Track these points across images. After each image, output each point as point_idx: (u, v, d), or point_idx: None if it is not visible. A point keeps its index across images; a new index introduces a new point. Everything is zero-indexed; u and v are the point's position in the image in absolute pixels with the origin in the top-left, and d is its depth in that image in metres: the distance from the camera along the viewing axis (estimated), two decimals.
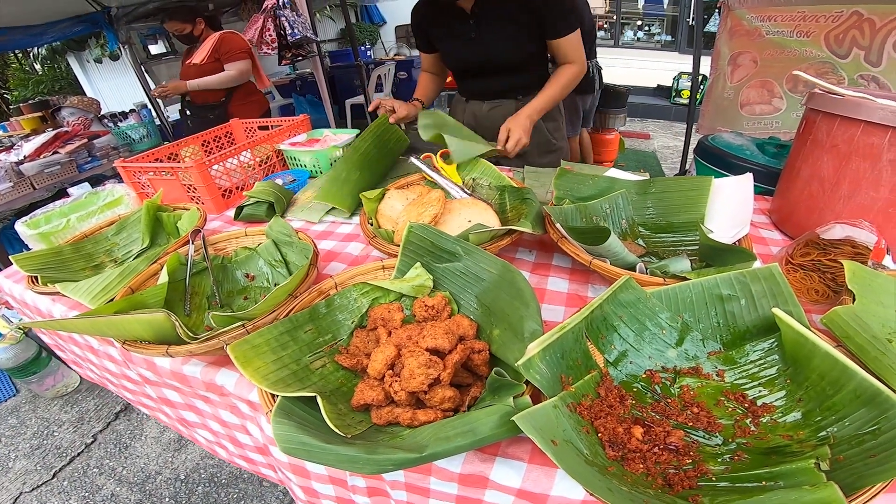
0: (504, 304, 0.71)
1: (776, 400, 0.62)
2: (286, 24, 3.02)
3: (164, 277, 0.91)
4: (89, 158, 3.19)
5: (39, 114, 3.59)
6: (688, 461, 0.56)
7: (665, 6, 6.81)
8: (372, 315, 0.79)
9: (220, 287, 0.99)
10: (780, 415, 0.60)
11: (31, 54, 7.19)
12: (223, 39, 2.67)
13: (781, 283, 0.67)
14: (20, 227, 1.27)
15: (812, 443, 0.55)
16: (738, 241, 0.89)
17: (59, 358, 2.17)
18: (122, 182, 1.53)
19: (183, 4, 3.05)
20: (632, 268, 0.81)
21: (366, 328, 0.80)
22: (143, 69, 4.59)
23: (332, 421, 0.59)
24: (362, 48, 7.87)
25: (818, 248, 0.89)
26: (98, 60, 6.71)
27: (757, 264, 0.75)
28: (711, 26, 5.13)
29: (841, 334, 0.63)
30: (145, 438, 2.01)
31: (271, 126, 1.85)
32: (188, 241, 1.03)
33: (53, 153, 2.93)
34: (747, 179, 0.99)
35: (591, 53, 3.05)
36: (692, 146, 2.54)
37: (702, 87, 4.11)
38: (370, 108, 1.53)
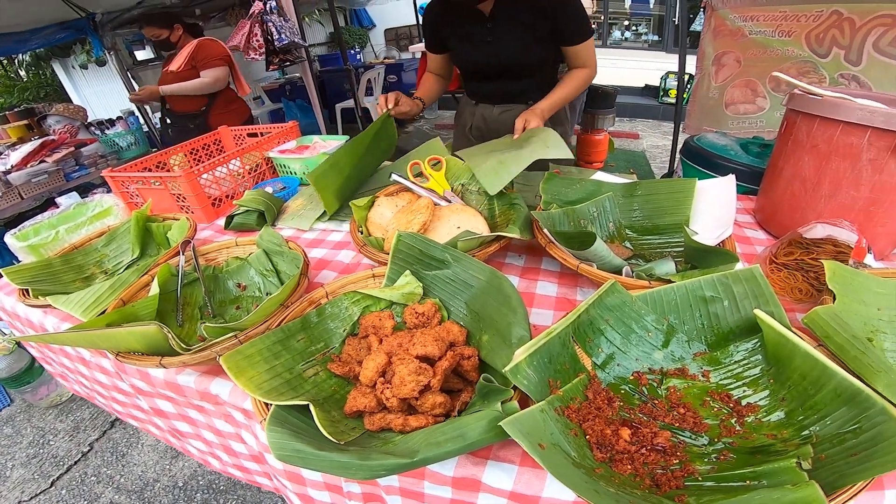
0: (492, 311, 0.73)
1: (760, 399, 0.63)
2: (273, 29, 3.00)
3: (154, 289, 0.91)
4: (77, 167, 3.17)
5: (25, 122, 3.55)
6: (675, 461, 0.57)
7: (651, 6, 6.87)
8: (363, 323, 0.80)
9: (211, 297, 0.99)
10: (765, 414, 0.61)
11: (17, 61, 7.12)
12: (200, 46, 2.64)
13: (762, 284, 0.69)
14: (9, 239, 1.26)
15: (795, 442, 0.56)
16: (722, 242, 0.90)
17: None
18: (111, 191, 1.53)
19: (162, 11, 3.04)
20: (618, 271, 0.83)
21: (357, 336, 0.80)
22: (129, 75, 4.56)
23: (326, 428, 0.60)
24: (351, 52, 7.87)
25: (801, 247, 0.91)
26: (83, 66, 6.67)
27: (740, 265, 0.76)
28: (697, 25, 5.19)
29: (821, 334, 0.64)
30: (142, 446, 2.00)
31: (260, 133, 1.85)
32: (178, 252, 1.03)
33: (40, 162, 2.90)
34: (730, 181, 1.00)
35: None
36: (680, 146, 2.57)
37: (688, 86, 4.15)
38: (380, 107, 1.43)
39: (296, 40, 3.09)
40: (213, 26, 4.62)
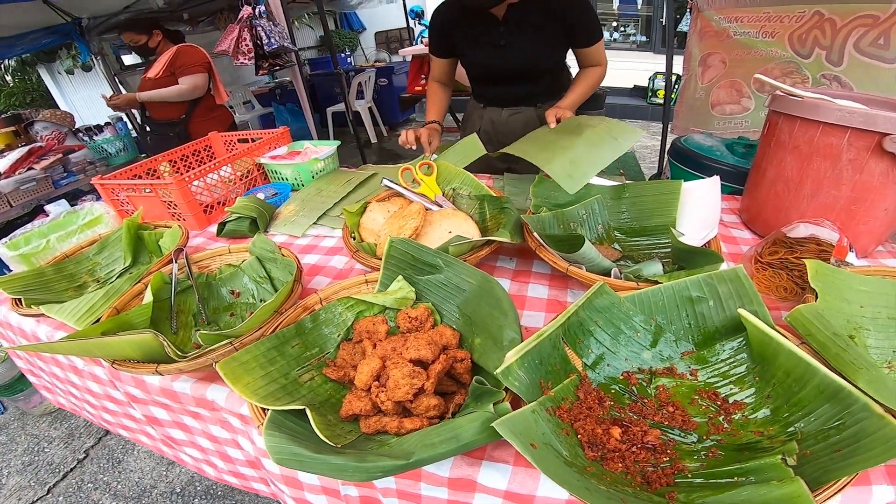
0: (484, 314, 0.74)
1: (746, 397, 0.65)
2: (263, 33, 3.00)
3: (148, 297, 0.91)
4: (65, 174, 3.14)
5: (13, 128, 3.51)
6: (665, 459, 0.59)
7: (639, 7, 6.92)
8: (357, 328, 0.81)
9: (205, 305, 1.00)
10: (751, 411, 0.63)
11: (2, 66, 7.03)
12: (179, 52, 2.61)
13: (746, 284, 0.70)
14: (0, 248, 1.26)
15: (781, 438, 0.57)
16: (708, 242, 0.92)
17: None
18: (100, 198, 1.52)
19: (141, 16, 3.02)
20: (607, 273, 0.84)
21: (352, 341, 0.81)
22: (116, 80, 4.53)
23: (322, 432, 0.61)
24: (342, 55, 7.86)
25: (785, 246, 0.93)
26: (69, 72, 6.61)
27: (725, 265, 0.78)
28: (684, 26, 5.25)
29: (804, 332, 0.66)
30: (138, 453, 2.00)
31: (251, 139, 1.85)
32: (171, 259, 1.03)
33: (28, 169, 2.88)
34: (714, 183, 1.03)
35: None
36: (667, 146, 2.60)
37: (675, 87, 4.19)
38: (405, 143, 1.46)
39: (285, 44, 3.08)
40: (202, 30, 4.61)
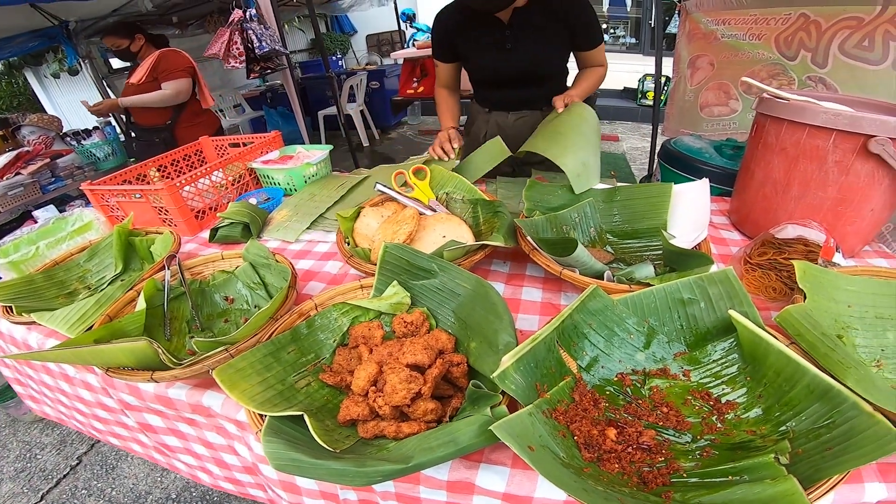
0: (479, 318, 0.74)
1: (738, 397, 0.66)
2: (253, 37, 2.99)
3: (141, 304, 0.91)
4: (53, 179, 3.10)
5: (0, 133, 3.47)
6: (660, 459, 0.59)
7: (629, 9, 6.98)
8: (353, 333, 0.81)
9: (199, 311, 0.99)
10: (743, 411, 0.64)
11: None
12: (162, 57, 2.58)
13: (736, 286, 0.72)
14: None
15: (774, 437, 0.58)
16: (698, 245, 0.93)
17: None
18: (90, 204, 1.51)
19: (123, 21, 2.99)
20: (600, 276, 0.85)
21: (347, 346, 0.82)
22: (104, 84, 4.49)
23: (321, 437, 0.61)
24: (333, 58, 7.84)
25: (774, 247, 0.94)
26: (56, 75, 6.53)
27: (715, 266, 0.79)
28: (672, 28, 5.31)
29: (793, 332, 0.67)
30: (131, 459, 1.98)
31: (242, 143, 1.84)
32: (164, 266, 1.03)
33: (16, 174, 2.84)
34: (704, 185, 1.04)
35: None
36: (658, 148, 2.62)
37: (665, 88, 4.23)
38: (442, 157, 1.45)
39: (277, 48, 3.07)
40: (191, 34, 4.58)
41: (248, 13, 2.96)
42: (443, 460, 0.55)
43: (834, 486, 0.49)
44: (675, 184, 1.07)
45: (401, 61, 4.41)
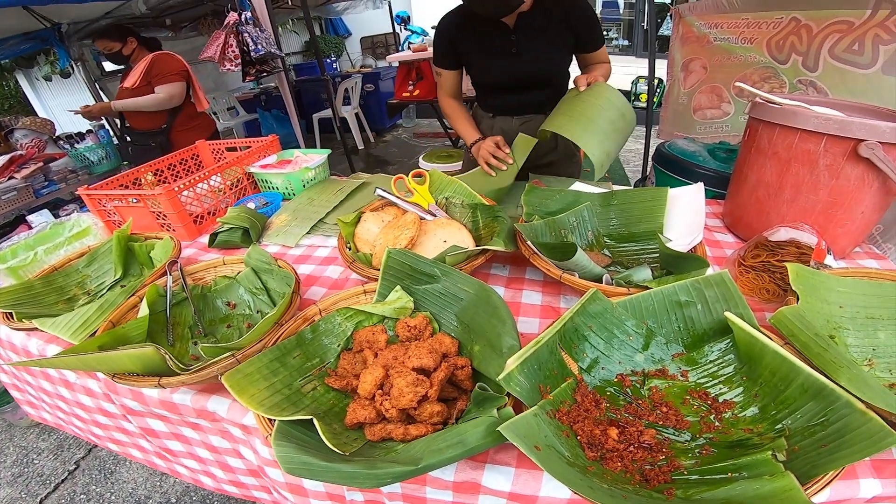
0: (482, 322, 0.76)
1: (735, 396, 0.68)
2: (249, 39, 2.99)
3: (144, 310, 0.91)
4: (46, 183, 3.09)
5: None
6: (661, 457, 0.61)
7: (621, 11, 7.04)
8: (357, 338, 0.83)
9: (201, 317, 1.00)
10: (740, 410, 0.66)
11: None
12: (155, 61, 2.57)
13: (731, 288, 0.74)
14: None
15: (770, 435, 0.60)
16: (694, 248, 0.95)
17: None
18: (84, 207, 1.50)
19: (115, 24, 2.97)
20: (598, 279, 0.87)
21: (352, 350, 0.83)
22: (97, 86, 4.46)
23: (330, 440, 0.62)
24: (328, 60, 7.84)
25: (767, 249, 0.96)
26: (48, 78, 6.48)
27: (711, 269, 0.81)
28: (665, 30, 5.36)
29: (787, 333, 0.69)
30: (130, 463, 1.98)
31: (240, 147, 1.85)
32: (165, 272, 1.03)
33: (9, 178, 2.83)
34: (699, 189, 1.06)
35: None
36: (651, 151, 2.65)
37: (657, 90, 4.27)
38: (496, 165, 1.42)
39: (272, 50, 3.08)
40: (185, 36, 4.57)
41: (243, 16, 2.96)
42: (452, 461, 0.56)
43: (830, 481, 0.51)
44: (670, 188, 1.09)
45: (396, 64, 4.42)
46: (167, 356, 0.73)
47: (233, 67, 3.08)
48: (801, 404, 0.60)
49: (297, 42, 8.53)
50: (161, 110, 2.65)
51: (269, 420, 0.65)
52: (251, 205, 1.51)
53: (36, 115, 6.08)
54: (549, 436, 0.58)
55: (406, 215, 1.08)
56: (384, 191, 1.21)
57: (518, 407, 0.62)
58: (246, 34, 2.98)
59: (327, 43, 8.30)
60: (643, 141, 3.49)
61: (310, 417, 0.64)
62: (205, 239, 1.40)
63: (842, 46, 2.08)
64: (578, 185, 1.24)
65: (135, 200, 1.42)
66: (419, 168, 1.31)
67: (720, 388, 0.69)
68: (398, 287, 0.86)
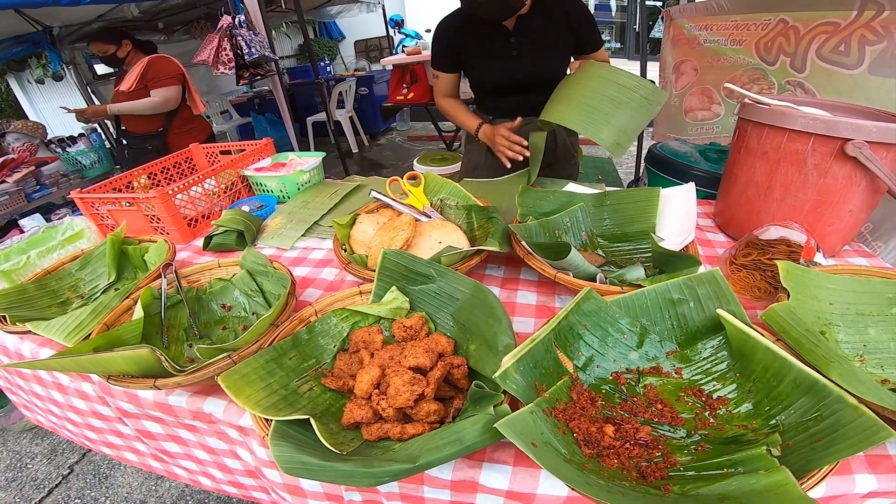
0: (478, 321, 0.76)
1: (729, 393, 0.68)
2: (243, 43, 2.99)
3: (139, 313, 0.91)
4: (38, 187, 3.07)
5: None
6: (657, 454, 0.62)
7: (613, 14, 7.10)
8: (353, 338, 0.83)
9: (196, 319, 1.00)
10: (734, 406, 0.66)
11: None
12: (151, 64, 2.57)
13: (723, 285, 0.75)
14: None
15: (765, 431, 0.61)
16: (686, 247, 0.96)
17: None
18: (77, 211, 1.50)
19: (110, 26, 2.97)
20: (592, 278, 0.88)
21: (348, 351, 0.83)
22: (89, 90, 4.44)
23: (327, 440, 0.62)
24: (321, 64, 7.83)
25: (758, 248, 0.97)
26: (40, 81, 6.44)
27: (703, 267, 0.82)
28: (656, 32, 5.40)
29: (778, 329, 0.70)
30: (125, 468, 1.97)
31: (234, 150, 1.84)
32: (160, 274, 1.03)
33: (1, 182, 2.80)
34: (690, 189, 1.07)
35: None
36: (644, 152, 2.67)
37: None
38: (517, 154, 1.39)
39: (266, 54, 3.07)
40: (178, 40, 4.55)
41: (237, 19, 2.95)
42: (449, 459, 0.56)
43: (824, 476, 0.51)
44: (662, 188, 1.10)
45: (389, 67, 4.43)
46: (162, 357, 0.73)
47: (226, 71, 3.07)
48: (793, 400, 0.60)
49: (289, 46, 8.53)
50: (157, 114, 2.64)
51: (266, 420, 0.65)
52: (246, 208, 1.51)
53: (27, 118, 6.02)
54: (546, 433, 0.58)
55: (401, 217, 1.08)
56: (379, 193, 1.21)
57: (514, 405, 0.63)
58: (239, 37, 2.98)
59: (321, 46, 8.29)
60: (636, 143, 3.51)
61: (307, 417, 0.65)
62: (199, 242, 1.39)
63: (828, 47, 2.11)
64: (572, 186, 1.25)
65: (128, 204, 1.41)
66: (414, 171, 1.32)
67: (714, 385, 0.70)
68: (394, 288, 0.87)
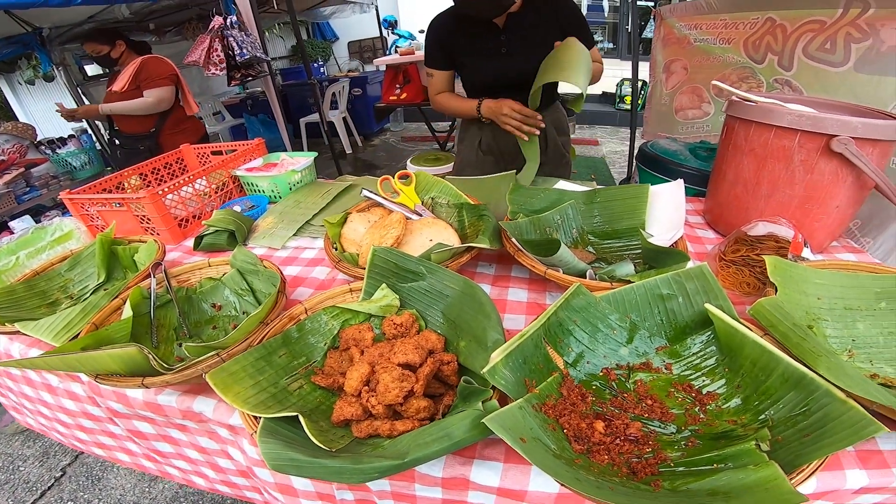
0: (468, 318, 0.76)
1: (718, 388, 0.68)
2: (234, 44, 2.97)
3: (128, 312, 0.90)
4: (28, 189, 3.04)
5: None
6: (648, 450, 0.62)
7: (606, 14, 7.12)
8: (343, 336, 0.83)
9: (186, 318, 0.99)
10: (724, 401, 0.66)
11: None
12: (144, 64, 2.56)
13: (711, 281, 0.75)
14: None
15: (754, 426, 0.61)
16: (675, 243, 0.97)
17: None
18: (67, 213, 1.49)
19: (103, 26, 2.95)
20: (582, 275, 0.88)
21: (338, 349, 0.83)
22: (79, 91, 4.40)
23: (316, 437, 0.62)
24: (314, 65, 7.81)
25: (746, 244, 0.98)
26: (30, 82, 6.37)
27: (692, 263, 0.83)
28: (648, 33, 5.43)
29: (766, 323, 0.71)
30: (117, 470, 1.96)
31: (225, 151, 1.84)
32: (149, 274, 1.02)
33: None
34: (679, 186, 1.08)
35: None
36: (636, 151, 2.69)
37: (642, 92, 4.33)
38: (532, 128, 1.38)
39: (258, 55, 3.06)
40: (169, 41, 4.52)
41: (228, 20, 2.94)
42: (438, 455, 0.56)
43: (814, 471, 0.51)
44: (651, 185, 1.11)
45: (383, 68, 4.42)
46: (150, 356, 0.72)
47: (217, 72, 3.06)
48: (782, 394, 0.60)
49: (283, 47, 8.49)
50: (150, 114, 2.63)
51: (255, 418, 0.65)
52: (237, 208, 1.50)
53: (17, 120, 5.96)
54: (535, 428, 0.58)
55: (392, 215, 1.08)
56: (370, 192, 1.21)
57: (504, 401, 0.63)
58: (231, 38, 2.97)
59: (314, 47, 8.26)
60: (628, 142, 3.53)
61: (295, 414, 0.64)
62: (190, 242, 1.38)
63: (815, 45, 2.12)
64: (562, 184, 1.25)
65: (118, 205, 1.40)
66: (405, 171, 1.32)
67: (703, 380, 0.70)
68: (384, 285, 0.86)
